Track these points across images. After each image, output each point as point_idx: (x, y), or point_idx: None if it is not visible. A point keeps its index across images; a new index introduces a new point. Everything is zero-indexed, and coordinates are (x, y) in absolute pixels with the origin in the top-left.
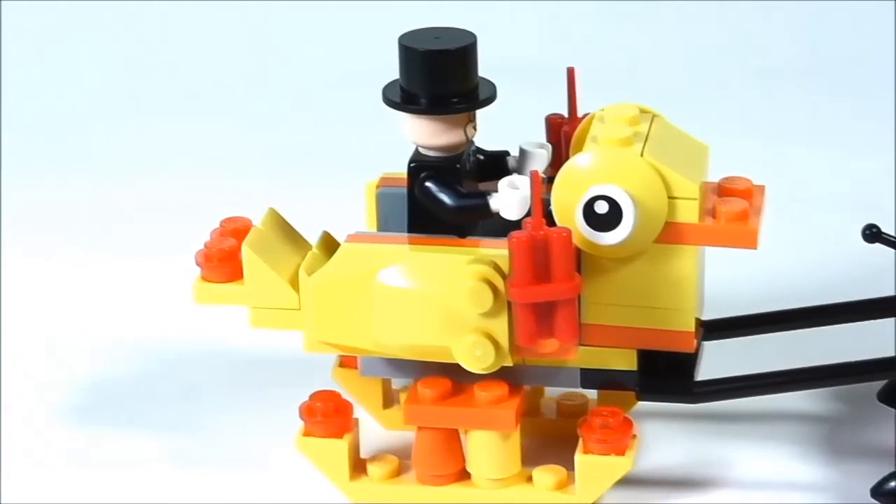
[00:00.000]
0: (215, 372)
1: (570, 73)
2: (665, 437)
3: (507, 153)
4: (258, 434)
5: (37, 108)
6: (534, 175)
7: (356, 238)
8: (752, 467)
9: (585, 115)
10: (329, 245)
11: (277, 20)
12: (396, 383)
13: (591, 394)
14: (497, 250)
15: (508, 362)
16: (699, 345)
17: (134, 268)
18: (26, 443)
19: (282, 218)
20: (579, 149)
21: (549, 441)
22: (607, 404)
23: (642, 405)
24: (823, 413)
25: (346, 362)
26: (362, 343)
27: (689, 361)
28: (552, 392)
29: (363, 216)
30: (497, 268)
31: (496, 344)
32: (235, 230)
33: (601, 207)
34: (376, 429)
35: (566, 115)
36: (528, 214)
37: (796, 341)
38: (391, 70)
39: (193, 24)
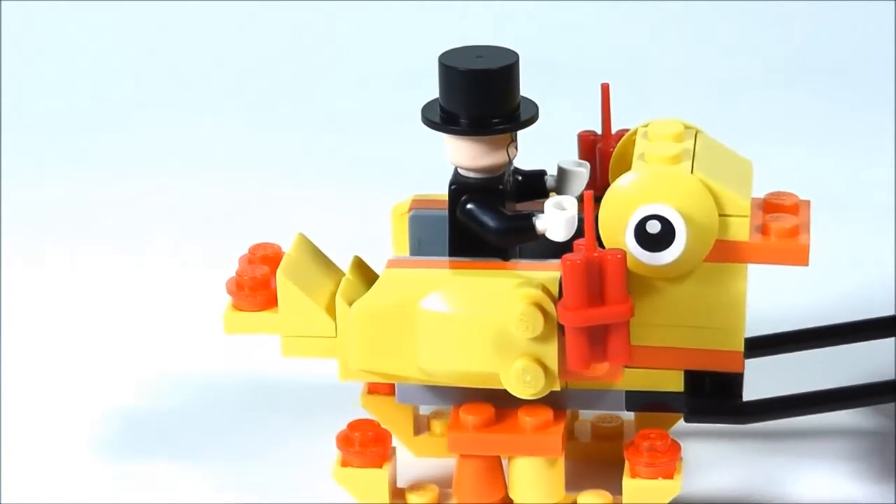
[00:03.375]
0: (230, 392)
1: (605, 89)
2: (711, 459)
3: (544, 172)
4: (277, 463)
5: (42, 107)
6: (586, 196)
7: (397, 263)
8: (803, 486)
9: (619, 132)
10: (361, 269)
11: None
12: (425, 409)
13: (627, 415)
14: (545, 273)
15: (557, 387)
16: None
17: (138, 269)
18: (26, 443)
19: (311, 243)
20: (621, 167)
21: (585, 465)
22: (644, 426)
23: (682, 426)
24: (872, 428)
25: (373, 389)
26: (406, 371)
27: (736, 381)
28: (586, 415)
29: (388, 239)
30: (547, 291)
31: (546, 369)
32: (265, 257)
33: (653, 227)
34: (407, 456)
35: (599, 131)
36: (576, 235)
37: (833, 357)
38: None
39: (198, 24)
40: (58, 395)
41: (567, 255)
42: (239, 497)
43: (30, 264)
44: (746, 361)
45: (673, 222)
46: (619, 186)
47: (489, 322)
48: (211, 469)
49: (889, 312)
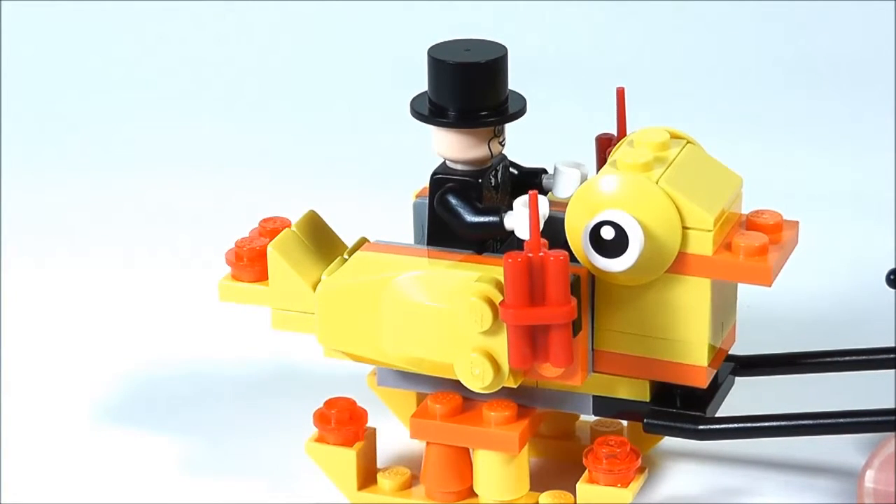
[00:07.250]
0: (231, 379)
1: (620, 93)
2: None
3: (543, 171)
4: (275, 442)
5: (39, 107)
6: (532, 195)
7: (372, 247)
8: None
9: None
10: None
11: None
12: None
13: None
14: None
15: (510, 383)
16: (727, 379)
17: (142, 270)
18: (27, 443)
19: (321, 221)
20: None
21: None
22: (637, 431)
23: (676, 442)
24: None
25: None
26: (369, 353)
27: (706, 397)
28: (588, 416)
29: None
30: (500, 287)
31: (496, 364)
32: (274, 230)
33: (608, 233)
34: (405, 437)
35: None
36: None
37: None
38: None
39: (206, 22)
40: (61, 396)
41: (509, 253)
42: (236, 479)
43: (27, 260)
44: (745, 379)
45: (627, 230)
46: (583, 190)
47: (446, 312)
48: (209, 463)
49: (888, 314)
